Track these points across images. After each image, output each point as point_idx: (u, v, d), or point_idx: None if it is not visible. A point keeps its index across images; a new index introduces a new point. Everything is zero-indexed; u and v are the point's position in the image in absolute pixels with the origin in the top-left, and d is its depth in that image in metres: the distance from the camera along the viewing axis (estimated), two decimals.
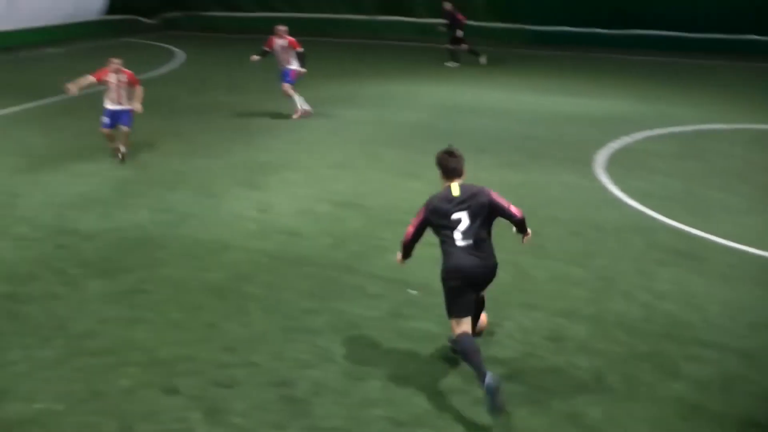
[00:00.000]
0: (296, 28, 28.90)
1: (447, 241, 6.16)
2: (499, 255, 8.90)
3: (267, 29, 16.62)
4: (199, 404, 6.10)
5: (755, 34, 25.48)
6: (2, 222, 10.17)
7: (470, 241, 6.10)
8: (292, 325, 7.38)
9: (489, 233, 6.28)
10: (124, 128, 12.60)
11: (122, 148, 12.64)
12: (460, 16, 23.63)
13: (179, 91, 19.45)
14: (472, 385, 6.24)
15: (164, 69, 23.20)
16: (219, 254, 9.15)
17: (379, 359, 6.79)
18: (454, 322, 6.24)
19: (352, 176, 12.24)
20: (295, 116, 16.28)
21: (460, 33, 23.66)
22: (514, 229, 6.59)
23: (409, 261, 6.81)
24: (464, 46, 23.85)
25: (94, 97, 12.59)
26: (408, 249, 6.58)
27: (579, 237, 9.74)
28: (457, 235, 6.09)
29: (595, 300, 7.97)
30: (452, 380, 6.46)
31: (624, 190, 11.50)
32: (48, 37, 27.89)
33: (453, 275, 6.16)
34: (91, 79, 12.54)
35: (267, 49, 16.30)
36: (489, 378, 5.71)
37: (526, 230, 6.63)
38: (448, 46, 24.01)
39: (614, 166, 12.80)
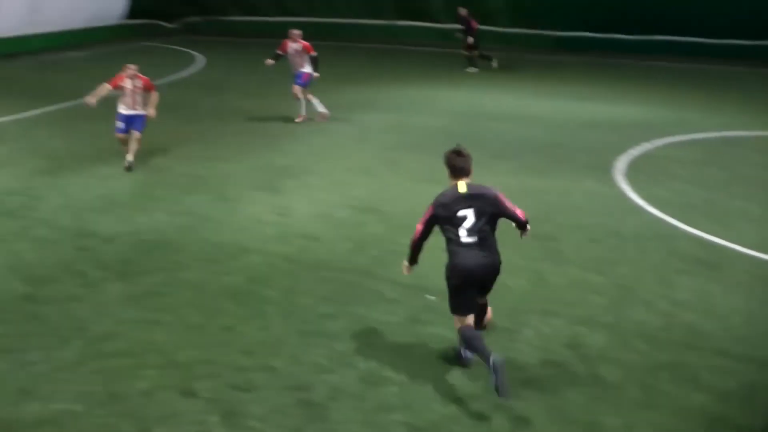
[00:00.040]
0: (315, 33, 29.14)
1: (452, 240, 6.28)
2: (518, 261, 8.98)
3: (286, 33, 16.65)
4: (217, 407, 6.10)
5: None
6: (23, 224, 10.24)
7: (475, 239, 6.23)
8: (310, 330, 7.38)
9: (493, 232, 6.38)
10: (136, 133, 12.57)
11: (130, 157, 12.52)
12: (473, 23, 23.62)
13: (199, 95, 19.53)
14: (490, 392, 6.21)
15: (185, 73, 23.31)
16: (237, 258, 9.17)
17: (397, 364, 6.76)
18: (457, 318, 6.45)
19: (371, 181, 12.23)
20: (297, 119, 16.34)
21: (470, 40, 23.69)
22: (514, 224, 6.63)
23: (416, 268, 6.84)
24: (475, 53, 23.87)
25: (113, 100, 12.64)
26: (416, 249, 6.61)
27: (598, 244, 9.68)
28: (462, 232, 6.22)
29: (615, 308, 7.91)
30: (470, 386, 6.43)
31: (644, 197, 11.42)
32: (69, 41, 28.11)
33: (457, 274, 6.30)
34: (107, 87, 12.53)
35: (280, 52, 16.34)
36: (494, 357, 5.91)
37: (526, 228, 6.70)
38: (464, 52, 23.99)
39: (634, 172, 12.72)
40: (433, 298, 7.88)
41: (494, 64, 23.89)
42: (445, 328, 7.16)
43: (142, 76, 12.67)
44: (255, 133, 15.45)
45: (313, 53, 16.10)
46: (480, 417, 6.00)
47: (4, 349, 6.99)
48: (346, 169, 12.85)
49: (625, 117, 17.11)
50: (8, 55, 24.73)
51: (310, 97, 16.42)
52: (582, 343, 7.18)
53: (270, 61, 16.64)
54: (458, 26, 24.24)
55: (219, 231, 10.05)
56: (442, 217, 6.31)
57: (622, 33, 26.99)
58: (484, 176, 11.88)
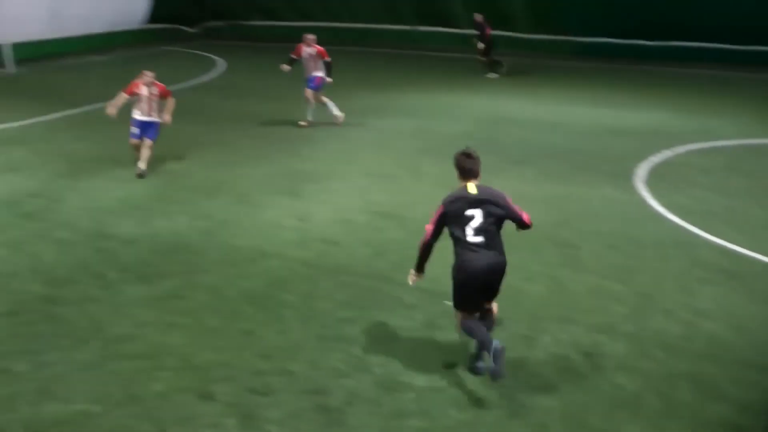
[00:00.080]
0: (335, 38, 29.29)
1: (460, 240, 6.38)
2: (536, 267, 8.96)
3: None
4: (234, 411, 6.11)
5: None
6: (43, 226, 10.30)
7: (482, 239, 6.34)
8: (328, 334, 7.37)
9: (499, 232, 6.48)
10: (148, 141, 12.56)
11: (142, 165, 12.50)
12: (488, 29, 23.62)
13: (220, 99, 19.60)
14: (507, 399, 6.20)
15: (206, 77, 23.40)
16: (256, 262, 9.18)
17: (414, 370, 6.75)
18: (459, 314, 6.62)
19: (391, 186, 12.22)
20: (302, 123, 16.39)
21: (481, 45, 23.71)
22: (515, 225, 6.68)
23: (423, 278, 6.83)
24: (485, 59, 23.90)
25: (131, 105, 12.68)
26: (426, 252, 6.63)
27: (618, 251, 9.61)
28: (470, 232, 6.34)
29: (634, 316, 7.85)
30: (487, 393, 6.40)
31: (665, 204, 11.34)
32: (91, 45, 28.28)
33: (464, 273, 6.42)
34: (124, 96, 12.51)
35: (294, 57, 16.38)
36: (495, 343, 6.17)
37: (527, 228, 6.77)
38: (481, 58, 23.97)
39: (655, 180, 12.64)
40: (450, 303, 7.80)
41: (504, 70, 23.87)
42: (463, 334, 7.12)
43: (158, 83, 12.69)
44: (274, 138, 15.48)
45: (327, 58, 16.13)
46: (497, 424, 5.98)
47: (24, 349, 7.04)
48: (365, 174, 12.84)
49: (645, 124, 17.01)
50: (30, 59, 24.92)
51: (325, 100, 16.44)
52: (601, 351, 7.13)
53: (285, 67, 16.67)
54: (475, 32, 24.22)
55: (238, 235, 10.07)
56: (452, 217, 6.40)
57: (643, 39, 26.84)
58: (504, 182, 11.86)
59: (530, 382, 6.58)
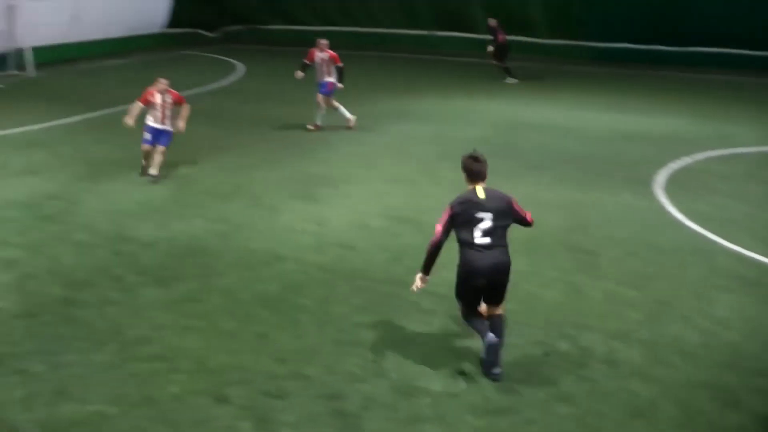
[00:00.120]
0: (355, 43, 29.35)
1: (467, 241, 6.56)
2: (553, 273, 8.93)
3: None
4: (249, 414, 6.12)
5: None
6: (63, 228, 10.37)
7: (489, 240, 6.53)
8: (344, 339, 7.37)
9: (506, 234, 6.69)
10: (160, 147, 12.56)
11: (154, 171, 12.53)
12: (500, 35, 23.60)
13: (238, 103, 19.67)
14: (523, 405, 6.17)
15: (225, 81, 23.49)
16: (273, 265, 9.20)
17: (431, 375, 6.73)
18: (460, 305, 6.89)
19: (408, 191, 12.21)
20: (310, 127, 16.43)
21: (490, 48, 23.75)
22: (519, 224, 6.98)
23: (428, 281, 6.84)
24: (494, 62, 23.88)
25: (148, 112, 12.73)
26: (434, 253, 6.68)
27: (636, 258, 9.56)
28: (478, 233, 6.52)
29: (652, 323, 7.80)
30: (503, 399, 6.38)
31: (683, 211, 11.27)
32: (110, 49, 28.45)
33: (467, 272, 6.61)
34: (139, 105, 12.56)
35: (307, 62, 16.42)
36: (490, 336, 6.54)
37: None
38: (498, 63, 23.94)
39: (674, 186, 12.56)
40: None
41: (508, 80, 23.93)
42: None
43: (172, 90, 12.70)
44: (292, 142, 15.51)
45: (340, 63, 16.19)
46: (512, 430, 5.96)
47: (42, 350, 7.08)
48: (382, 179, 12.85)
49: (664, 130, 16.91)
50: (50, 63, 25.10)
51: (336, 105, 16.48)
52: (617, 358, 7.09)
53: (299, 74, 16.69)
54: (490, 37, 24.19)
55: (255, 238, 10.10)
56: (461, 219, 6.56)
57: (663, 45, 26.68)
58: (521, 187, 11.86)
59: (546, 388, 6.55)
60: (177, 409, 6.19)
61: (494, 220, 6.52)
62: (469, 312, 6.84)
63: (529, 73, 24.15)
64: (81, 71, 25.17)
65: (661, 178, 13.06)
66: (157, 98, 12.48)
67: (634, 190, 12.30)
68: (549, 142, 15.66)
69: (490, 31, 23.86)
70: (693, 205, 11.58)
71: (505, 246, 6.63)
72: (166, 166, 12.82)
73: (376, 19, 31.15)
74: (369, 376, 6.72)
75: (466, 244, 6.55)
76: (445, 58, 28.50)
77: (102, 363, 6.88)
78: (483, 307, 6.91)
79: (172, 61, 27.54)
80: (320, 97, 16.33)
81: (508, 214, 6.65)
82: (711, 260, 9.51)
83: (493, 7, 26.10)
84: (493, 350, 6.55)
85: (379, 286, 8.60)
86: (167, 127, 12.61)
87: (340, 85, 16.33)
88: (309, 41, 16.64)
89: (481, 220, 6.51)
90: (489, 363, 6.58)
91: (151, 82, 12.95)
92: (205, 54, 29.74)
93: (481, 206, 6.54)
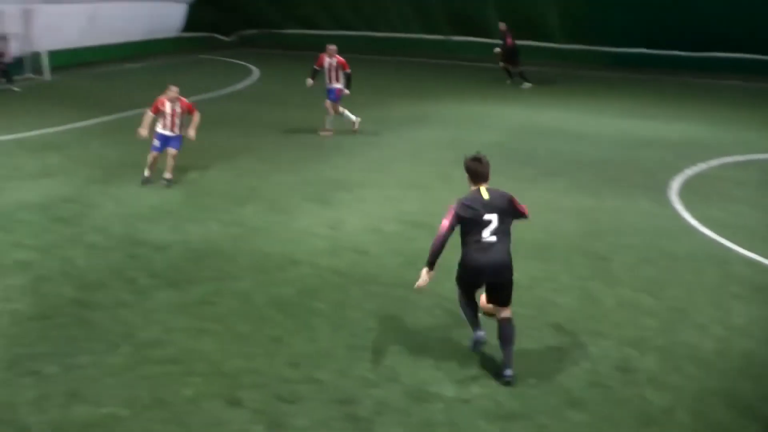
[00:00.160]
0: (371, 47, 29.37)
1: (472, 239, 6.71)
2: (567, 279, 8.91)
3: (343, 47, 16.77)
4: (262, 418, 6.11)
5: None
6: (77, 231, 10.41)
7: (495, 239, 6.69)
8: (357, 343, 7.36)
9: (509, 231, 6.84)
10: (172, 151, 12.57)
11: (167, 175, 12.56)
12: (509, 39, 23.61)
13: (254, 107, 19.72)
14: (535, 411, 6.14)
15: (240, 85, 23.57)
16: (287, 269, 9.20)
17: (444, 381, 6.72)
18: (459, 289, 7.06)
19: (422, 196, 12.19)
20: (322, 133, 16.46)
21: (497, 50, 23.84)
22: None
23: (433, 276, 6.86)
24: (501, 64, 23.90)
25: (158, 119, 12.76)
26: (439, 249, 6.76)
27: (651, 265, 9.50)
28: (486, 233, 6.68)
29: (667, 331, 7.75)
30: (516, 405, 6.35)
31: (699, 218, 11.20)
32: (127, 53, 28.60)
33: (472, 271, 6.80)
34: (150, 115, 12.57)
35: (317, 67, 16.48)
36: (479, 334, 6.89)
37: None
38: (510, 67, 23.93)
39: (689, 193, 12.49)
40: (481, 314, 7.79)
41: (509, 82, 23.91)
42: (494, 348, 7.07)
43: (183, 99, 12.70)
44: (306, 146, 15.53)
45: (348, 70, 16.28)
46: None
47: (55, 352, 7.11)
48: (397, 184, 12.83)
49: (681, 135, 16.82)
50: (66, 66, 25.25)
51: (341, 110, 16.56)
52: (631, 365, 7.05)
53: (310, 82, 16.71)
54: (516, 42, 24.16)
55: (269, 242, 10.11)
56: (468, 220, 6.70)
57: (679, 50, 26.53)
58: (536, 192, 11.86)
59: (559, 394, 6.52)
60: (190, 412, 6.19)
61: (500, 218, 6.70)
62: (466, 299, 7.00)
63: (544, 77, 24.11)
64: (97, 75, 25.30)
65: (676, 184, 12.99)
66: (167, 107, 12.48)
67: (649, 196, 12.24)
68: (564, 147, 15.61)
69: (500, 34, 23.94)
70: (708, 211, 11.51)
71: (508, 243, 6.78)
72: (180, 170, 12.86)
73: (393, 24, 31.16)
74: (382, 380, 6.71)
75: (472, 242, 6.71)
76: (462, 63, 28.49)
77: (115, 365, 6.90)
78: (490, 306, 7.02)
79: (188, 64, 27.66)
80: (329, 104, 16.41)
81: (510, 212, 6.82)
82: (726, 267, 9.45)
83: (510, 13, 26.09)
84: (479, 346, 6.97)
85: (393, 290, 8.58)
86: (177, 133, 12.63)
87: (346, 92, 16.42)
88: (324, 46, 16.66)
89: (489, 221, 6.67)
90: (475, 345, 6.97)
91: (166, 86, 12.96)
92: (221, 58, 29.85)
93: (488, 207, 6.70)
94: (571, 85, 23.98)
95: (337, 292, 8.57)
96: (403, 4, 30.18)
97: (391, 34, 31.17)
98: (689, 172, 13.80)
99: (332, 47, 16.43)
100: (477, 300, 7.08)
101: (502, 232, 6.71)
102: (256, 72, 26.22)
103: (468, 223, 6.70)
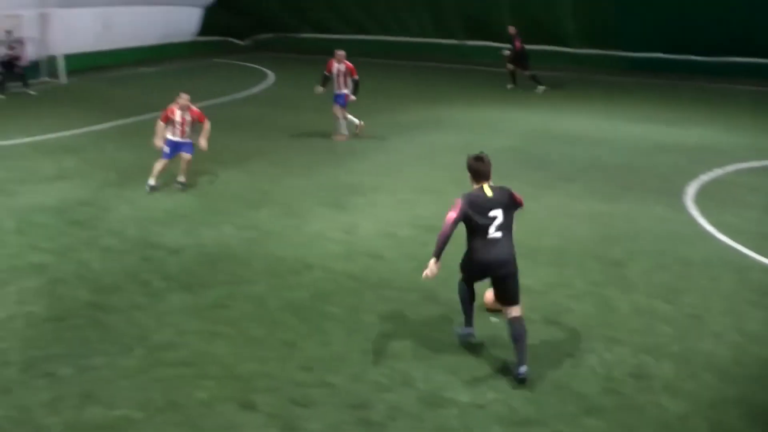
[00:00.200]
0: (386, 51, 29.35)
1: (478, 236, 6.90)
2: (582, 286, 8.86)
3: (357, 51, 16.81)
4: (276, 422, 6.11)
5: None
6: (92, 234, 10.45)
7: (500, 234, 6.89)
8: (371, 348, 7.35)
9: (512, 225, 7.04)
10: (186, 156, 12.56)
11: (182, 178, 12.59)
12: (518, 43, 23.57)
13: (268, 111, 19.75)
14: (551, 417, 6.11)
15: (255, 89, 23.62)
16: (301, 273, 9.20)
17: (458, 386, 6.69)
18: (462, 275, 7.29)
19: (436, 200, 12.12)
20: (336, 138, 16.51)
21: (506, 52, 23.80)
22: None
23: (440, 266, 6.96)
24: (509, 66, 23.89)
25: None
26: (445, 242, 6.92)
27: (666, 271, 9.44)
28: (492, 229, 6.86)
29: (682, 338, 7.69)
30: (531, 411, 6.32)
31: (715, 224, 11.12)
32: (142, 57, 28.71)
33: (478, 266, 6.99)
34: (162, 125, 12.53)
35: (327, 73, 16.51)
36: (468, 330, 7.32)
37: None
38: (526, 72, 23.88)
39: (705, 198, 12.40)
40: (496, 320, 7.77)
41: (510, 86, 23.85)
42: (508, 353, 7.04)
43: (193, 108, 12.66)
44: (320, 150, 15.55)
45: (356, 76, 16.33)
46: None
47: (70, 353, 7.13)
48: (410, 188, 12.82)
49: (697, 141, 16.71)
50: (81, 70, 25.37)
51: (348, 117, 16.64)
52: (647, 372, 7.00)
53: (319, 89, 16.74)
54: (527, 47, 24.10)
55: (283, 246, 10.11)
56: (474, 217, 6.87)
57: (696, 54, 26.36)
58: (551, 198, 11.80)
59: (574, 401, 6.48)
60: (203, 415, 6.19)
61: (504, 213, 6.89)
62: (467, 287, 7.24)
63: (559, 82, 24.03)
64: (112, 79, 25.41)
65: (691, 189, 12.91)
66: (177, 115, 12.46)
67: (665, 202, 12.16)
68: (579, 152, 15.54)
69: (509, 37, 23.93)
70: (723, 217, 11.42)
71: (511, 237, 6.98)
72: (194, 174, 12.89)
73: (407, 28, 31.13)
74: (395, 385, 6.69)
75: (478, 239, 6.90)
76: (476, 67, 28.42)
77: (128, 367, 6.91)
78: (496, 304, 7.23)
79: (203, 68, 27.75)
80: (337, 109, 16.49)
81: (511, 205, 7.02)
82: (741, 274, 9.37)
83: (524, 17, 26.01)
84: (465, 340, 7.34)
85: (407, 295, 8.57)
86: (187, 140, 12.62)
87: (353, 97, 16.46)
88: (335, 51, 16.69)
89: (494, 218, 6.85)
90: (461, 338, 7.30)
91: (181, 89, 12.98)
92: (236, 62, 29.92)
93: (492, 204, 6.90)
94: (587, 89, 23.89)
95: (351, 296, 8.56)
96: (418, 8, 30.15)
97: (405, 38, 31.13)
98: (705, 177, 13.71)
99: (341, 52, 16.45)
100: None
101: (506, 227, 6.90)
102: (271, 76, 26.27)
103: (474, 219, 6.86)
